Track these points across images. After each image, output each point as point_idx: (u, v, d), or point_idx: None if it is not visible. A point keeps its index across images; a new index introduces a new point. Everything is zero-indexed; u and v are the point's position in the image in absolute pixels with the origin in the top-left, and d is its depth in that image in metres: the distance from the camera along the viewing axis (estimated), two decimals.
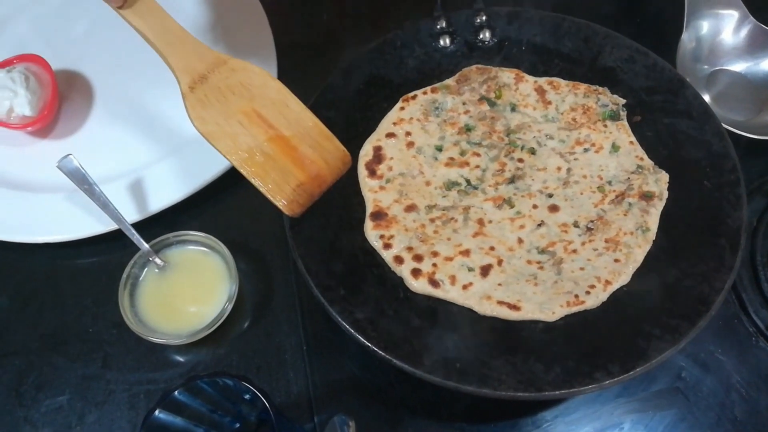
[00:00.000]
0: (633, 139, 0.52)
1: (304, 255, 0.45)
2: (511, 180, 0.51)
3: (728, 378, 0.50)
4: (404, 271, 0.47)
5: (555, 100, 0.54)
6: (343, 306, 0.43)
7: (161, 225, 0.57)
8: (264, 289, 0.56)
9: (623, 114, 0.52)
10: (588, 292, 0.44)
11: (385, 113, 0.54)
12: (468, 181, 0.52)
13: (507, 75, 0.55)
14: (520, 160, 0.52)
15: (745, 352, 0.51)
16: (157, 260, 0.54)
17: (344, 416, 0.30)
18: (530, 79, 0.55)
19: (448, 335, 0.42)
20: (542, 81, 0.55)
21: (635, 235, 0.47)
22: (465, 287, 0.46)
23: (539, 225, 0.49)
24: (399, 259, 0.47)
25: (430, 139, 0.53)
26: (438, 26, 0.56)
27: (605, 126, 0.52)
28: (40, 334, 0.55)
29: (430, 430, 0.48)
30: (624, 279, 0.45)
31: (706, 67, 0.63)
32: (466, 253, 0.47)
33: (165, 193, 0.58)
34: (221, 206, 0.61)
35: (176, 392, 0.38)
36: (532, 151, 0.53)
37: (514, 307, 0.44)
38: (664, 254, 0.45)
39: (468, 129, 0.54)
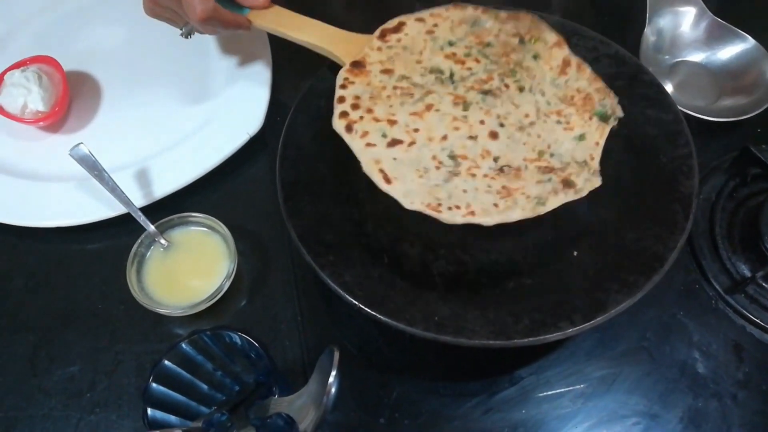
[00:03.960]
0: (601, 142, 0.53)
1: (296, 225, 0.49)
2: (485, 92, 0.55)
3: (690, 337, 0.54)
4: (337, 109, 0.53)
5: (571, 75, 0.56)
6: (332, 270, 0.47)
7: (165, 209, 0.61)
8: (261, 267, 0.60)
9: (612, 122, 0.54)
10: (450, 209, 0.48)
11: None
12: (452, 74, 0.56)
13: (551, 35, 0.57)
14: (506, 86, 0.56)
15: (706, 314, 0.55)
16: (162, 240, 0.58)
17: (332, 347, 0.33)
18: (566, 50, 0.57)
19: (428, 294, 0.47)
20: (575, 59, 0.57)
21: (529, 201, 0.49)
22: (368, 145, 0.51)
23: (470, 137, 0.53)
24: (342, 99, 0.54)
25: (449, 36, 0.58)
26: None
27: (590, 119, 0.55)
28: (52, 312, 0.59)
29: (414, 389, 0.52)
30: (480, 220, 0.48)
31: (667, 57, 0.68)
32: (393, 122, 0.53)
33: (168, 180, 0.63)
34: (221, 191, 0.65)
35: (182, 344, 0.42)
36: (521, 89, 0.56)
37: (388, 180, 0.49)
38: (622, 219, 0.50)
39: (487, 45, 0.58)
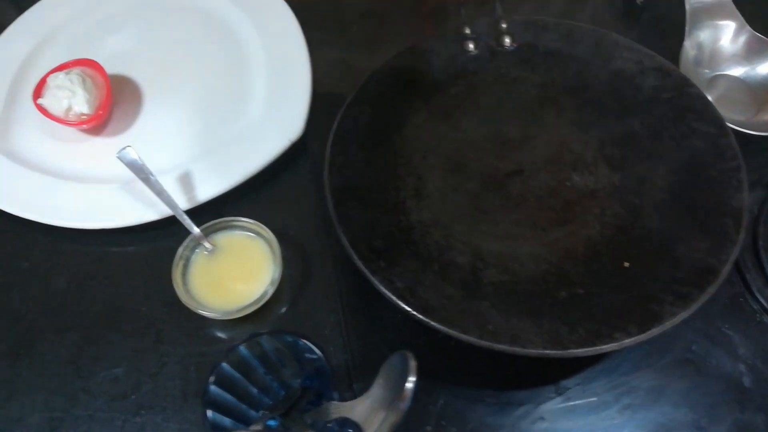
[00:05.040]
0: None
1: (346, 231, 0.50)
2: None
3: (735, 351, 0.53)
4: None
5: None
6: (383, 276, 0.47)
7: (204, 213, 0.62)
8: (303, 272, 0.60)
9: None
10: None
11: (413, 107, 0.59)
12: None
13: None
14: None
15: (750, 327, 0.55)
16: (207, 243, 0.58)
17: (404, 353, 0.33)
18: None
19: (479, 302, 0.47)
20: None
21: None
22: None
23: None
24: None
25: None
26: (461, 33, 0.62)
27: None
28: (96, 313, 0.59)
29: (460, 397, 0.52)
30: None
31: (707, 71, 0.69)
32: None
33: (210, 184, 0.63)
34: (261, 196, 0.65)
35: (241, 346, 0.42)
36: None
37: None
38: (672, 232, 0.50)
39: None
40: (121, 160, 0.59)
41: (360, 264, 0.48)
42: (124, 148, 0.59)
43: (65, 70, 0.67)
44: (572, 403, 0.51)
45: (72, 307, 0.59)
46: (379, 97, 0.58)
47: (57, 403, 0.55)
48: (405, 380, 0.32)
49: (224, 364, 0.41)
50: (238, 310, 0.55)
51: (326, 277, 0.61)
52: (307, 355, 0.44)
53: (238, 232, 0.59)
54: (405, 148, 0.56)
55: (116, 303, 0.60)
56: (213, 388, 0.41)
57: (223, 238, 0.59)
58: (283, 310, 0.59)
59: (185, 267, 0.58)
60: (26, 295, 0.60)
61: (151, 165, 0.61)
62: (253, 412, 0.47)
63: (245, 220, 0.59)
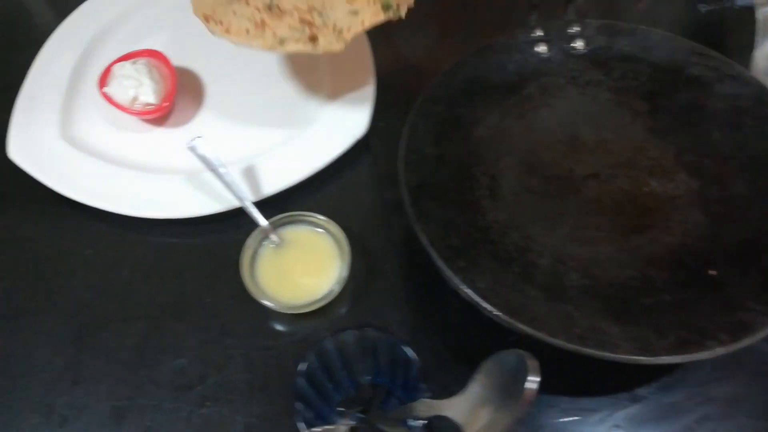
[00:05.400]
0: (368, 25, 0.57)
1: (425, 229, 0.49)
2: None
3: None
4: None
5: None
6: (465, 275, 0.47)
7: (267, 207, 0.61)
8: (366, 269, 0.60)
9: (391, 15, 0.57)
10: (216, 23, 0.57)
11: (487, 107, 0.59)
12: None
13: None
14: None
15: None
16: (274, 236, 0.58)
17: (517, 352, 0.32)
18: None
19: (563, 305, 0.46)
20: None
21: (274, 38, 0.57)
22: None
23: None
24: None
25: None
26: (534, 35, 0.62)
27: (374, 4, 0.57)
28: (161, 303, 0.59)
29: (534, 402, 0.52)
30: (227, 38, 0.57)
31: None
32: None
33: (275, 179, 0.63)
34: (323, 192, 0.65)
35: (326, 340, 0.42)
36: None
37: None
38: (759, 243, 0.49)
39: None
40: (192, 151, 0.59)
41: (441, 263, 0.47)
42: (194, 139, 0.59)
43: (131, 60, 0.67)
44: (648, 410, 0.50)
45: (136, 296, 0.59)
46: (451, 95, 0.58)
47: (122, 392, 0.54)
48: (522, 381, 0.31)
49: (312, 357, 0.41)
50: (306, 305, 0.55)
51: (390, 275, 0.60)
52: (397, 352, 0.43)
53: (305, 227, 0.59)
54: (478, 147, 0.56)
55: (181, 294, 0.59)
56: (299, 381, 0.41)
57: (291, 232, 0.59)
58: (347, 306, 0.58)
59: (252, 259, 0.57)
60: (90, 283, 0.60)
61: (214, 157, 0.62)
62: (326, 408, 0.47)
63: (313, 215, 0.59)
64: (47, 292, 0.59)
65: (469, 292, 0.46)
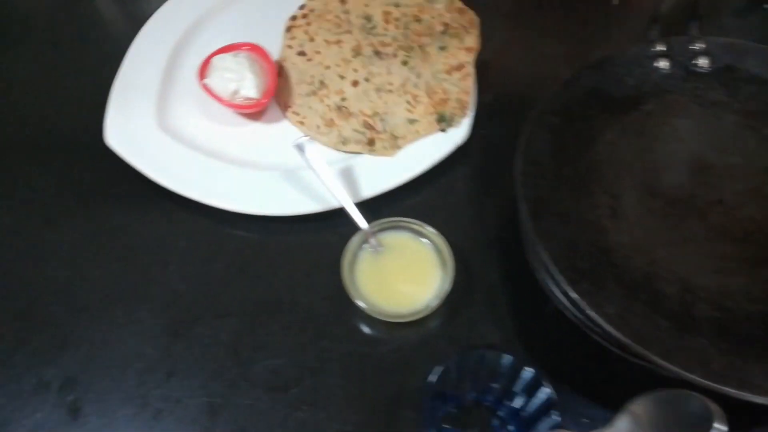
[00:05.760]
0: (422, 135, 0.64)
1: (548, 247, 0.47)
2: (377, 52, 0.69)
3: None
4: (298, 11, 0.73)
5: (452, 78, 0.66)
6: (592, 299, 0.45)
7: (364, 211, 0.60)
8: (463, 282, 0.58)
9: (444, 127, 0.65)
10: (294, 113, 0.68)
11: (605, 122, 0.56)
12: (374, 27, 0.70)
13: (470, 39, 0.68)
14: (395, 56, 0.68)
15: None
16: (374, 241, 0.57)
17: (695, 395, 0.30)
18: (469, 58, 0.67)
19: (696, 339, 0.44)
20: (470, 69, 0.67)
21: (338, 138, 0.65)
22: (288, 47, 0.71)
23: (341, 76, 0.68)
24: (303, 6, 0.74)
25: None
26: (655, 49, 0.59)
27: (431, 115, 0.65)
28: (255, 300, 0.58)
29: None
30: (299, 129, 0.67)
31: None
32: (312, 40, 0.71)
33: (373, 182, 0.62)
34: (418, 198, 0.63)
35: (455, 359, 0.40)
36: (404, 62, 0.68)
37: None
38: None
39: (418, 21, 0.70)
40: (297, 150, 0.58)
41: (566, 285, 0.45)
42: (302, 137, 0.58)
43: (232, 53, 0.66)
44: None
45: (230, 291, 0.59)
46: (568, 108, 0.56)
47: (215, 389, 0.54)
48: (701, 427, 0.29)
49: (436, 375, 0.39)
50: (405, 316, 0.54)
51: (489, 288, 0.58)
52: (523, 378, 0.41)
53: (406, 234, 0.58)
54: (597, 163, 0.54)
55: (275, 292, 0.58)
56: (426, 399, 0.40)
57: (392, 237, 0.58)
58: (442, 317, 0.57)
59: (352, 263, 0.56)
60: (184, 275, 0.59)
61: (310, 156, 0.60)
62: (432, 425, 0.46)
63: (417, 223, 0.57)
64: (141, 281, 0.59)
65: (597, 317, 0.44)
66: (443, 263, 0.56)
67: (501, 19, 0.78)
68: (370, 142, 0.64)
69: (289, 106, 0.68)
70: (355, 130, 0.65)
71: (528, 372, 0.40)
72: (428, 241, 0.57)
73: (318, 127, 0.66)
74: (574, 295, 0.45)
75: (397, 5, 0.70)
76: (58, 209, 0.63)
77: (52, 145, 0.68)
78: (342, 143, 0.65)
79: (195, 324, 0.57)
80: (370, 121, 0.65)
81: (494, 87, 0.70)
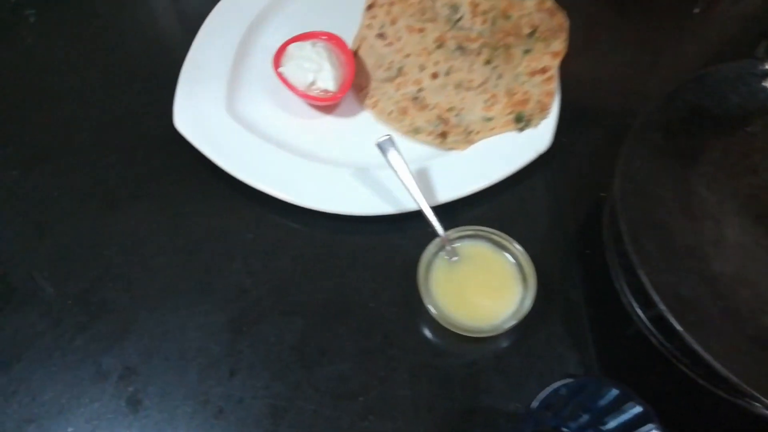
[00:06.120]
0: (497, 132, 0.62)
1: (649, 273, 0.44)
2: (461, 47, 0.65)
3: None
4: None
5: (534, 80, 0.64)
6: (696, 334, 0.42)
7: (437, 215, 0.58)
8: (541, 295, 0.55)
9: (521, 126, 0.62)
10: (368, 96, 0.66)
11: (707, 141, 0.53)
12: (460, 18, 0.66)
13: (557, 44, 0.64)
14: (479, 53, 0.65)
15: None
16: (450, 248, 0.54)
17: None
18: (555, 63, 0.64)
19: None
20: (554, 73, 0.64)
21: (410, 126, 0.64)
22: (368, 26, 0.68)
23: (421, 66, 0.65)
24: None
25: None
26: (763, 67, 0.56)
27: (509, 114, 0.63)
28: (322, 301, 0.56)
29: None
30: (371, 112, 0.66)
31: None
32: (394, 22, 0.67)
33: (450, 186, 0.59)
34: (494, 205, 0.61)
35: (559, 386, 0.38)
36: (487, 61, 0.65)
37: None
38: None
39: (507, 17, 0.66)
40: (380, 149, 0.55)
41: (670, 316, 0.42)
42: (385, 136, 0.55)
43: (311, 41, 0.64)
44: None
45: (296, 290, 0.56)
46: (669, 123, 0.53)
47: (279, 391, 0.52)
48: None
49: (539, 402, 0.37)
50: (481, 331, 0.51)
51: (568, 306, 0.56)
52: (628, 411, 0.38)
53: (485, 244, 0.55)
54: (699, 186, 0.51)
55: (343, 294, 0.56)
56: (527, 426, 0.37)
57: (469, 247, 0.55)
58: (516, 334, 0.54)
59: (426, 270, 0.54)
60: (250, 269, 0.57)
61: (375, 155, 0.58)
62: None
63: (496, 233, 0.54)
64: (205, 272, 0.57)
65: (704, 354, 0.41)
66: (524, 279, 0.53)
67: (581, 22, 0.75)
68: (443, 135, 0.62)
69: (363, 88, 0.66)
70: (429, 121, 0.63)
71: (635, 407, 0.37)
72: (508, 254, 0.54)
73: (391, 113, 0.64)
74: (678, 328, 0.42)
75: None
76: (121, 192, 0.62)
77: (118, 126, 0.66)
78: (413, 132, 0.63)
79: (260, 321, 0.55)
80: (445, 115, 0.63)
81: (576, 93, 0.67)
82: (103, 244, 0.59)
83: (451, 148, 0.62)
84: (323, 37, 0.65)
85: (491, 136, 0.62)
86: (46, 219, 0.60)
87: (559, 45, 0.64)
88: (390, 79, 0.66)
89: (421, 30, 0.66)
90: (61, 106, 0.68)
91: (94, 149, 0.65)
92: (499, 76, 0.64)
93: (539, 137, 0.62)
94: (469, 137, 0.62)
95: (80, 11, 0.76)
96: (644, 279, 0.44)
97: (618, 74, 0.70)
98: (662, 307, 0.43)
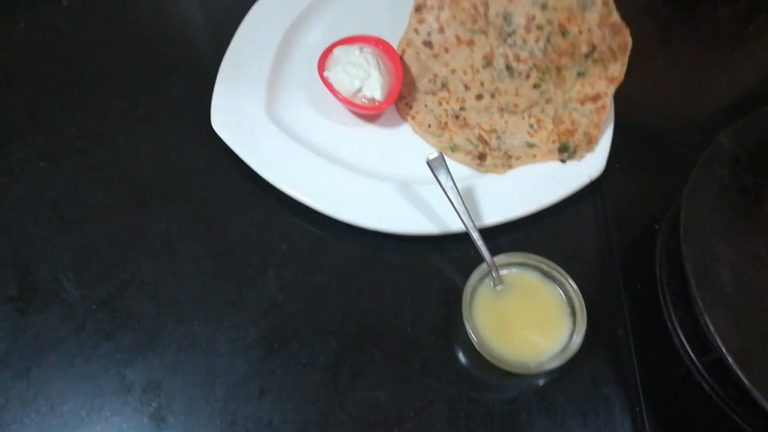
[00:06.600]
0: (539, 160, 0.59)
1: (715, 322, 0.42)
2: (509, 67, 0.63)
3: None
4: None
5: (584, 109, 0.61)
6: (762, 388, 0.39)
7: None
8: (588, 330, 0.52)
9: (565, 157, 0.59)
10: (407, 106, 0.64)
11: None
12: (513, 32, 0.62)
13: (616, 68, 0.60)
14: (527, 76, 0.62)
15: None
16: (496, 275, 0.52)
17: None
18: (609, 90, 0.60)
19: None
20: (607, 101, 0.60)
21: (448, 143, 0.61)
22: (416, 31, 0.63)
23: (465, 85, 0.63)
24: None
25: None
26: None
27: (553, 143, 0.60)
28: (357, 321, 0.53)
29: None
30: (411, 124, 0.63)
31: None
32: (441, 31, 0.64)
33: (495, 208, 0.56)
34: (542, 233, 0.58)
35: None
36: (536, 85, 0.62)
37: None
38: None
39: (564, 33, 0.61)
40: (429, 167, 0.52)
41: (736, 368, 0.40)
42: (435, 153, 0.53)
43: (358, 45, 0.61)
44: None
45: (331, 308, 0.54)
46: (735, 159, 0.50)
47: (310, 415, 0.49)
48: None
49: None
50: (532, 367, 0.48)
51: (615, 343, 0.53)
52: None
53: (533, 273, 0.52)
54: (766, 226, 0.48)
55: (380, 315, 0.54)
56: None
57: (517, 275, 0.52)
58: (562, 371, 0.51)
59: (471, 297, 0.51)
60: (283, 282, 0.55)
61: (420, 170, 0.56)
62: None
63: (545, 261, 0.51)
64: (236, 282, 0.55)
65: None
66: (573, 313, 0.50)
67: (633, 40, 0.72)
68: (481, 156, 0.60)
69: (404, 96, 0.63)
70: (468, 140, 0.61)
71: None
72: (557, 286, 0.52)
73: (429, 126, 0.62)
74: (745, 381, 0.39)
75: (544, 7, 0.61)
76: (153, 190, 0.59)
77: (152, 120, 0.63)
78: (451, 149, 0.60)
79: (292, 339, 0.52)
80: (486, 137, 0.61)
81: (627, 115, 0.64)
82: (131, 245, 0.56)
83: (487, 171, 0.59)
84: (372, 42, 0.62)
85: (531, 163, 0.59)
86: (73, 215, 0.57)
87: (618, 69, 0.60)
88: (433, 92, 0.63)
89: (470, 43, 0.64)
90: (93, 96, 0.65)
91: (126, 143, 0.62)
92: (548, 101, 0.62)
93: (592, 163, 0.59)
94: (508, 162, 0.59)
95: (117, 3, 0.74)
96: (709, 324, 0.42)
97: (671, 95, 0.67)
98: (729, 358, 0.40)
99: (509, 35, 0.63)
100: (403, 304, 0.54)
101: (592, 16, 0.61)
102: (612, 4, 0.60)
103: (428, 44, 0.64)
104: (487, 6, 0.63)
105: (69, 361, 0.50)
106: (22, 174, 0.59)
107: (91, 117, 0.64)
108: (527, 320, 0.51)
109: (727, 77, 0.69)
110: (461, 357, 0.52)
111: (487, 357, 0.49)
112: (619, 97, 0.63)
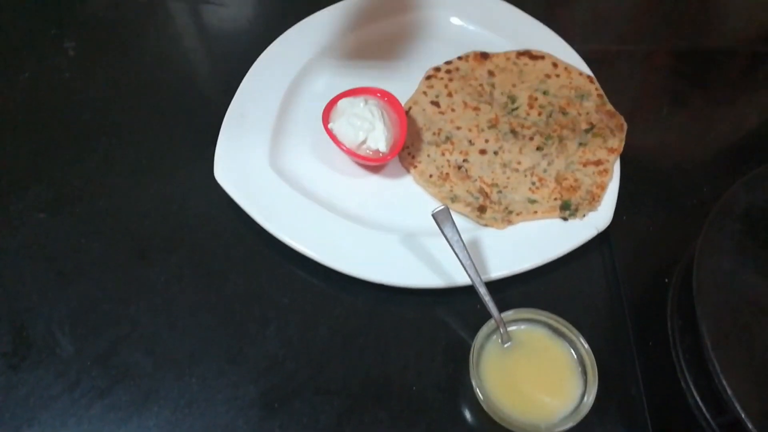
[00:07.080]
0: (540, 217, 0.59)
1: (732, 385, 0.40)
2: (513, 131, 0.65)
3: None
4: (446, 64, 0.70)
5: (587, 171, 0.61)
6: None
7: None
8: (600, 389, 0.49)
9: (566, 216, 0.59)
10: (410, 155, 0.64)
11: None
12: (516, 108, 0.66)
13: (614, 142, 0.63)
14: (531, 138, 0.64)
15: None
16: (504, 331, 0.50)
17: None
18: (611, 158, 0.62)
19: None
20: (610, 167, 0.62)
21: (448, 194, 0.61)
22: (424, 93, 0.67)
23: (470, 141, 0.64)
24: (449, 62, 0.70)
25: (555, 88, 0.68)
26: None
27: (555, 200, 0.60)
28: (360, 380, 0.51)
29: None
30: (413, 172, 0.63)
31: None
32: (450, 95, 0.67)
33: (501, 260, 0.55)
34: (549, 286, 0.57)
35: None
36: (539, 147, 0.64)
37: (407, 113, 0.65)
38: None
39: (564, 113, 0.66)
40: (435, 220, 0.52)
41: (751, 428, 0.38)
42: (441, 206, 0.52)
43: (363, 97, 0.61)
44: None
45: (334, 365, 0.52)
46: (747, 212, 0.49)
47: None
48: None
49: None
50: (542, 430, 0.46)
51: (627, 402, 0.51)
52: None
53: (542, 330, 0.51)
54: None
55: (384, 373, 0.52)
56: None
57: (524, 331, 0.51)
58: (580, 425, 0.49)
59: (478, 355, 0.50)
60: (284, 337, 0.53)
61: (425, 222, 0.54)
62: None
63: (555, 318, 0.50)
64: (236, 337, 0.53)
65: None
66: (584, 372, 0.48)
67: (641, 92, 0.72)
68: (481, 209, 0.59)
69: (407, 147, 0.63)
70: (469, 192, 0.61)
71: None
72: (567, 343, 0.50)
73: (431, 176, 0.62)
74: None
75: (545, 93, 0.67)
76: (153, 242, 0.58)
77: (154, 170, 0.63)
78: (450, 200, 0.60)
79: (293, 398, 0.50)
80: (487, 189, 0.61)
81: (635, 167, 0.63)
82: (129, 299, 0.55)
83: (487, 225, 0.58)
84: (377, 95, 0.62)
85: (532, 220, 0.59)
86: (71, 268, 0.56)
87: (617, 143, 0.63)
88: (437, 144, 0.64)
89: (476, 108, 0.66)
90: (96, 146, 0.65)
91: (128, 194, 0.61)
92: (550, 163, 0.62)
93: (599, 215, 0.58)
94: (508, 216, 0.59)
95: (123, 47, 0.74)
96: (725, 384, 0.40)
97: (679, 146, 0.67)
98: (748, 422, 0.39)
99: (513, 110, 0.66)
100: (408, 360, 0.53)
101: (589, 104, 0.67)
102: (605, 98, 0.67)
103: (436, 104, 0.66)
104: (493, 87, 0.68)
105: (62, 421, 0.49)
106: (20, 225, 0.59)
107: (93, 167, 0.63)
108: (537, 379, 0.49)
109: (735, 127, 0.69)
110: (469, 417, 0.50)
111: (494, 417, 0.47)
112: (625, 147, 0.63)
